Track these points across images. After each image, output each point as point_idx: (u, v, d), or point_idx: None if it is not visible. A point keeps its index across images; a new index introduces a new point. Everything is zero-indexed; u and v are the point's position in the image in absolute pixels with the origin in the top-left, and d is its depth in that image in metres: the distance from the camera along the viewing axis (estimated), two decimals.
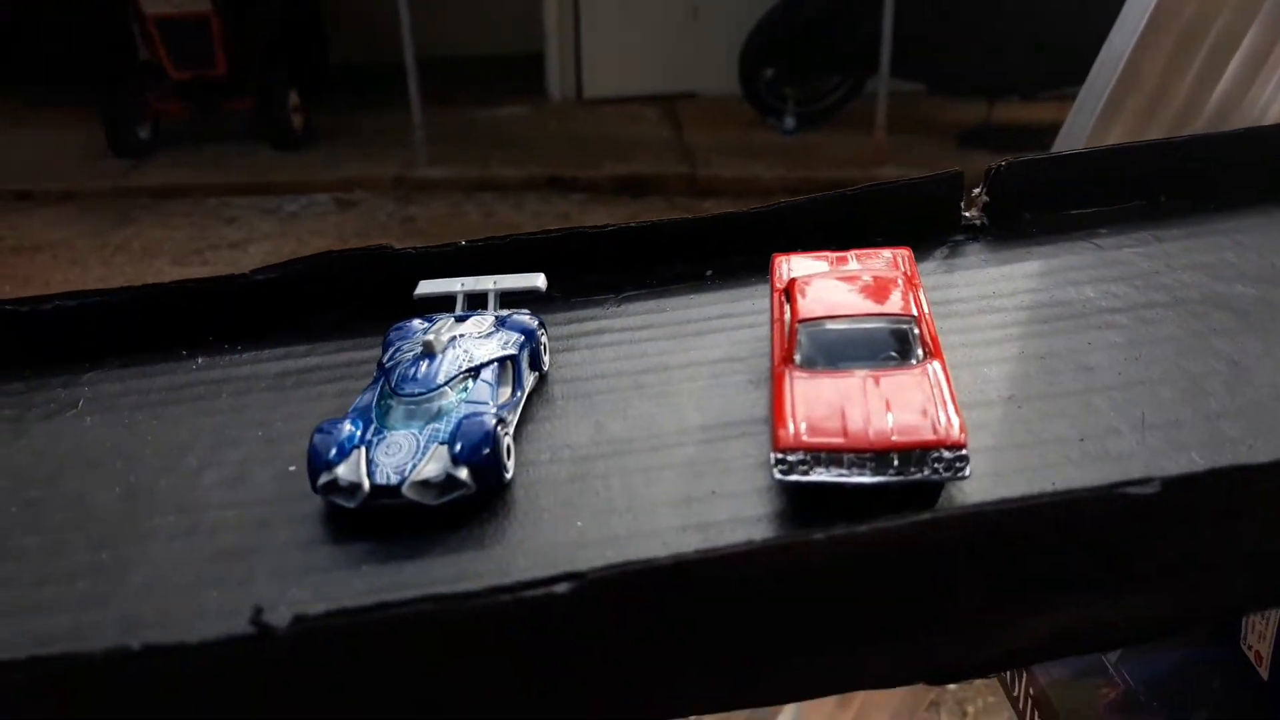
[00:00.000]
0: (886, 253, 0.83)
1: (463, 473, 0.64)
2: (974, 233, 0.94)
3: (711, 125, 4.76)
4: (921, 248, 0.91)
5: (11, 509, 0.61)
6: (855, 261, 0.82)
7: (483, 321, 0.78)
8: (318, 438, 0.65)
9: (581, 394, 0.74)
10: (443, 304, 0.80)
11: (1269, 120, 1.13)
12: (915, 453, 0.63)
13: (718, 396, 0.72)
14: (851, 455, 0.62)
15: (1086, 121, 1.19)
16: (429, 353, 0.72)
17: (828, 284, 0.75)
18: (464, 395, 0.71)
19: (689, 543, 0.56)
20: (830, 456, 0.62)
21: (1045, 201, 0.94)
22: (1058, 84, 4.33)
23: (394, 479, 0.63)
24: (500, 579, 0.48)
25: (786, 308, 0.74)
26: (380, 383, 0.70)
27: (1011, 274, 0.88)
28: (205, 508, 0.64)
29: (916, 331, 0.70)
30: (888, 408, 0.66)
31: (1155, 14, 1.12)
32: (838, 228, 0.92)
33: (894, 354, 0.70)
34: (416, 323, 0.78)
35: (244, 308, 0.83)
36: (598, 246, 0.87)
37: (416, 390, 0.70)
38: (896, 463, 0.63)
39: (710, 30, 5.03)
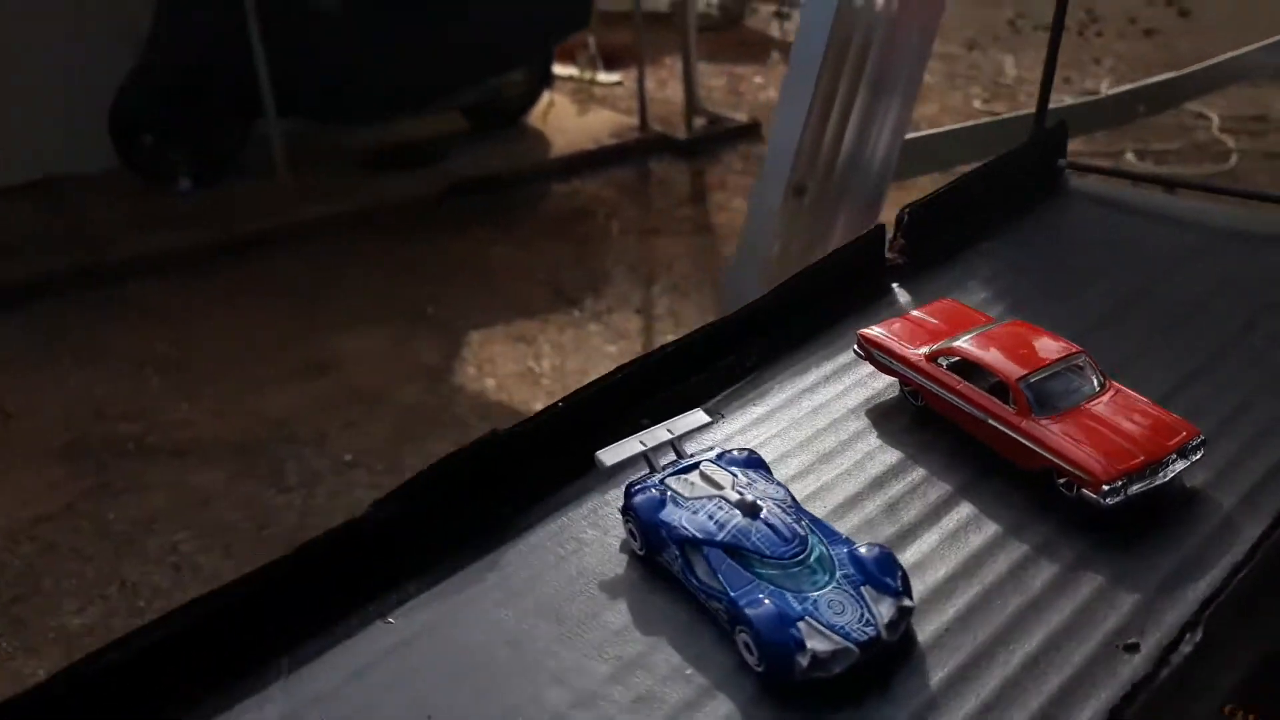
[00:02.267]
0: (945, 304, 1.04)
1: (907, 601, 0.70)
2: (899, 272, 1.20)
3: (101, 204, 4.36)
4: (866, 299, 1.15)
5: None
6: (937, 317, 1.01)
7: (714, 468, 0.81)
8: (766, 625, 0.66)
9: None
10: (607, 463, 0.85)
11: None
12: (1185, 447, 0.82)
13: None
14: (1152, 465, 0.80)
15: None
16: (753, 512, 0.74)
17: (988, 344, 0.91)
18: (814, 536, 0.74)
19: None
20: (1137, 475, 0.80)
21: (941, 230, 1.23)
22: (441, 99, 4.54)
23: (871, 632, 0.67)
24: None
25: (948, 371, 0.91)
26: (716, 556, 0.72)
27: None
28: None
29: (1088, 359, 0.89)
30: (1140, 423, 0.84)
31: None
32: (801, 309, 1.10)
33: (1091, 382, 0.88)
34: (653, 493, 0.80)
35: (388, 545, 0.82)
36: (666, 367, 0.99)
37: (795, 550, 0.72)
38: (1173, 458, 0.81)
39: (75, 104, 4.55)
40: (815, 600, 0.68)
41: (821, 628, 0.67)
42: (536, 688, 0.71)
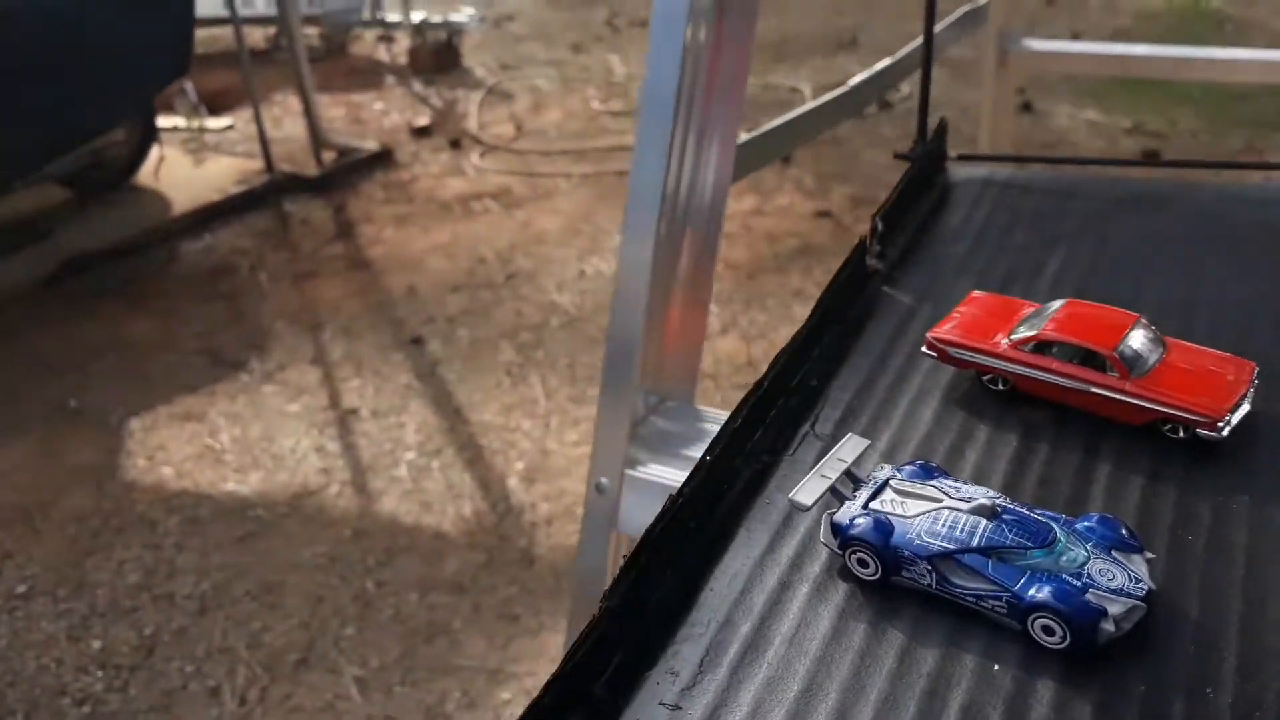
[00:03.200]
0: (984, 296, 1.17)
1: (1149, 553, 0.80)
2: (882, 279, 1.28)
3: None
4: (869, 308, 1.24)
5: None
6: (990, 309, 1.13)
7: (905, 484, 0.85)
8: (1069, 604, 0.73)
9: None
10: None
11: None
12: (1253, 383, 0.99)
13: None
14: (1241, 397, 0.97)
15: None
16: (992, 513, 0.80)
17: (1067, 324, 1.03)
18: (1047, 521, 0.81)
19: None
20: (1234, 408, 0.95)
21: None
22: (27, 173, 4.06)
23: (1145, 588, 0.76)
24: None
25: (1034, 354, 1.03)
26: (976, 560, 0.77)
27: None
28: None
29: (1145, 321, 1.03)
30: (1214, 366, 1.00)
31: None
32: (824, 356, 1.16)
33: (1158, 340, 1.02)
34: (868, 520, 0.82)
35: None
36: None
37: (1044, 535, 0.78)
38: (1250, 389, 0.98)
39: None
40: (1088, 574, 0.76)
41: (1108, 594, 0.74)
42: None
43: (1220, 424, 0.95)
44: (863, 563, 0.83)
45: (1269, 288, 1.23)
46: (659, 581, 0.85)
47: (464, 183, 4.72)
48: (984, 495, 0.82)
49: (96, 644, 2.35)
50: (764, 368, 1.06)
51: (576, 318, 3.63)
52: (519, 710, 0.88)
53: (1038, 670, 0.75)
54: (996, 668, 0.75)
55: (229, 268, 4.06)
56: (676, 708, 0.75)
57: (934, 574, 0.79)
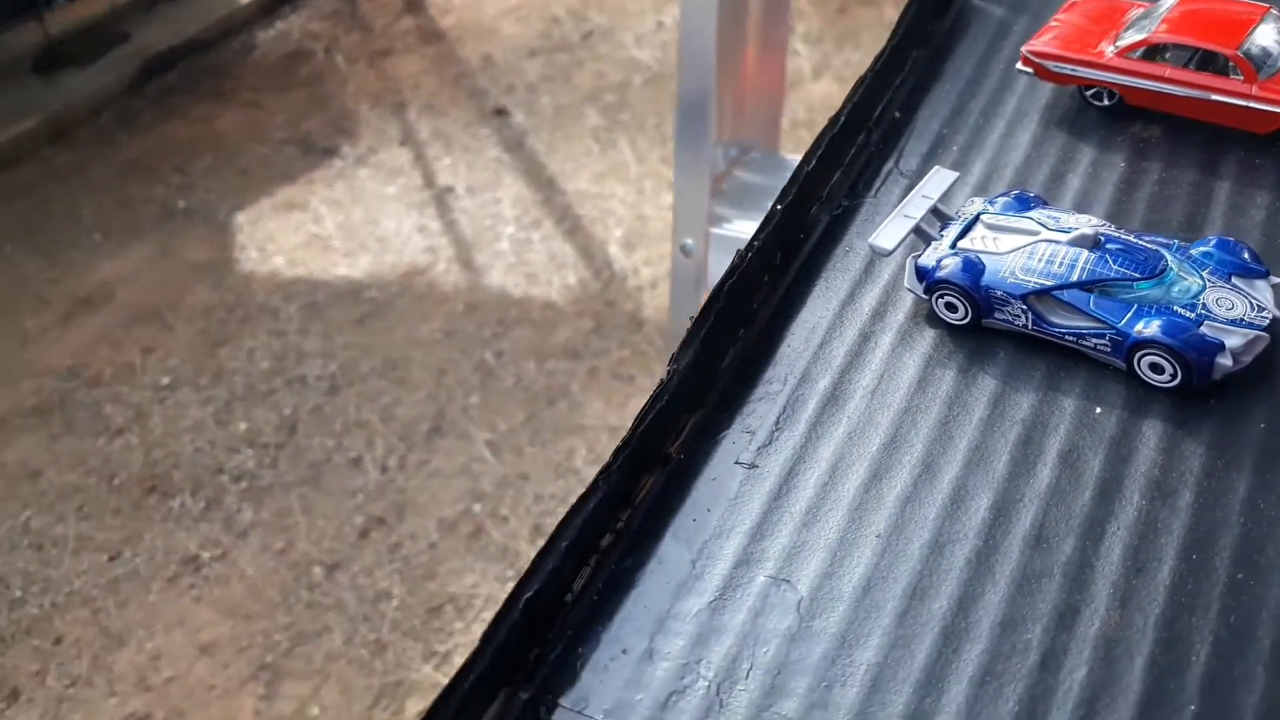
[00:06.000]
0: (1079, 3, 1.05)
1: (1275, 277, 0.74)
2: None
3: None
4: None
5: None
6: (1093, 12, 1.03)
7: (1003, 216, 0.79)
8: (1181, 338, 0.69)
9: None
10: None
11: None
12: None
13: None
14: None
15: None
16: (1095, 244, 0.73)
17: (1183, 25, 0.93)
18: (1158, 247, 0.75)
19: None
20: None
21: None
22: None
23: (1268, 317, 0.71)
24: None
25: (1145, 61, 0.94)
26: (1076, 295, 0.72)
27: None
28: None
29: (1275, 13, 0.94)
30: None
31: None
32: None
33: None
34: (957, 259, 0.77)
35: None
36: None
37: (1155, 264, 0.72)
38: None
39: None
40: (1203, 304, 0.70)
41: (1225, 325, 0.68)
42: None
43: None
44: (951, 306, 0.78)
45: None
46: (731, 340, 0.82)
47: None
48: (1087, 224, 0.75)
49: (242, 426, 2.52)
50: None
51: (659, 74, 3.54)
52: None
53: (1145, 411, 0.71)
54: (1099, 410, 0.71)
55: (305, 53, 4.02)
56: (753, 466, 0.74)
57: (1030, 314, 0.74)
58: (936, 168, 0.86)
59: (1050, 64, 0.98)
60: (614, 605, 0.67)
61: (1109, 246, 0.73)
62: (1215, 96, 0.91)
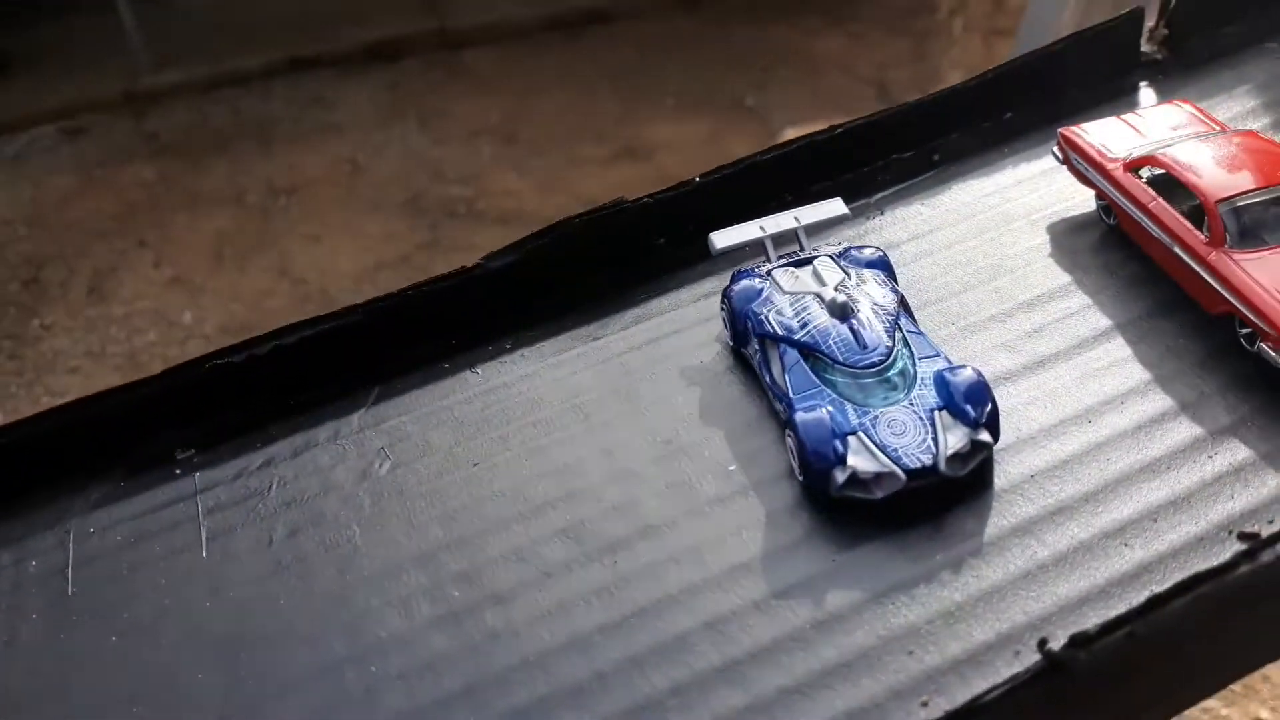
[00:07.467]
0: (1172, 108, 0.84)
1: (984, 435, 0.63)
2: (1154, 69, 0.99)
3: None
4: (1102, 98, 0.96)
5: None
6: (1156, 121, 0.81)
7: (829, 264, 0.74)
8: (810, 433, 0.62)
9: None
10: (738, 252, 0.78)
11: None
12: None
13: None
14: None
15: None
16: (845, 314, 0.68)
17: (1198, 155, 0.73)
18: (905, 349, 0.67)
19: None
20: None
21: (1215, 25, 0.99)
22: None
23: (927, 460, 0.61)
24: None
25: (1146, 185, 0.75)
26: (790, 356, 0.67)
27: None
28: None
29: None
30: None
31: None
32: (1019, 98, 0.94)
33: None
34: (754, 282, 0.74)
35: (493, 299, 0.82)
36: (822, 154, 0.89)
37: (874, 359, 0.65)
38: None
39: None
40: (876, 416, 0.63)
41: (872, 446, 0.62)
42: (584, 456, 0.72)
43: None
44: (724, 322, 0.77)
45: None
46: None
47: None
48: (876, 299, 0.69)
49: None
50: None
51: None
52: None
53: (766, 490, 0.67)
54: (734, 468, 0.68)
55: (929, 6, 4.02)
56: (475, 371, 0.79)
57: (761, 355, 0.70)
58: (836, 199, 0.80)
59: (1074, 157, 0.82)
60: None
61: (852, 324, 0.67)
62: (1176, 248, 0.72)
